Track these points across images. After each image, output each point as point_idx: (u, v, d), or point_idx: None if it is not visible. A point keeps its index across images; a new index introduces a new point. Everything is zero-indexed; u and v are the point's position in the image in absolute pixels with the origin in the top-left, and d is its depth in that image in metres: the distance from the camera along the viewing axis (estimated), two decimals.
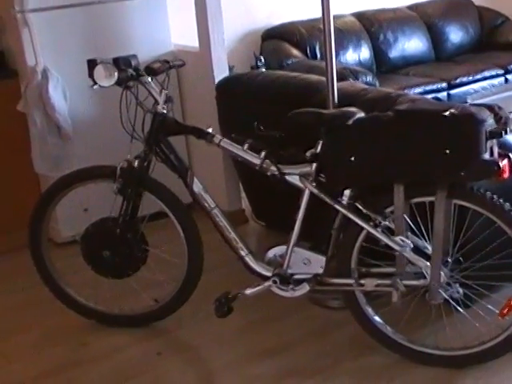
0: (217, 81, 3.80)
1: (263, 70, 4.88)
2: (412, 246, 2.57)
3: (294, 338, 2.99)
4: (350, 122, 2.52)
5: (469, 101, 4.86)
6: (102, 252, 2.97)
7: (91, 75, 2.69)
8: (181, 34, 4.16)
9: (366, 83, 4.58)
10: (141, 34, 3.97)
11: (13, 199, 3.89)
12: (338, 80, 3.12)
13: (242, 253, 2.85)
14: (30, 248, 3.11)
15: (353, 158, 2.50)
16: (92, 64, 2.69)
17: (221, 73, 3.82)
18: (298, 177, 2.69)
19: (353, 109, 2.63)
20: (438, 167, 2.44)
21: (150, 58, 3.61)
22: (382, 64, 5.76)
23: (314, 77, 3.37)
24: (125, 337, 3.07)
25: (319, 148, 2.64)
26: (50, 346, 3.06)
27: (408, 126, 2.44)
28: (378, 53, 5.76)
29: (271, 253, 2.84)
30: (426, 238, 2.63)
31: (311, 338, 2.98)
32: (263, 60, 5.04)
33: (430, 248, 2.59)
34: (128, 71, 2.74)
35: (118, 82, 2.71)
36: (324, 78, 3.16)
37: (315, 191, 2.65)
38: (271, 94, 3.40)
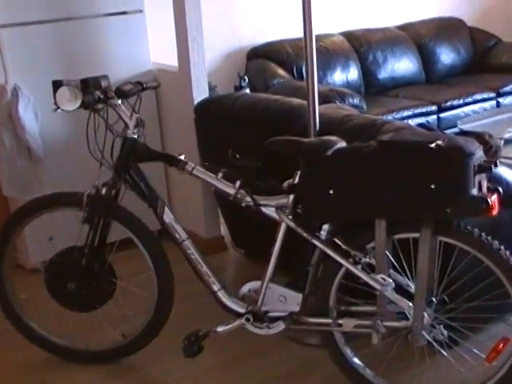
0: (196, 102, 3.64)
1: (247, 90, 4.73)
2: (394, 285, 2.41)
3: (269, 379, 2.82)
4: (329, 152, 2.36)
5: (459, 125, 4.73)
6: (67, 284, 2.80)
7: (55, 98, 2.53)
8: (161, 51, 4.01)
9: (353, 106, 4.44)
10: (118, 52, 3.81)
11: None
12: (323, 102, 2.97)
13: (215, 287, 2.68)
14: None
15: (331, 191, 2.34)
16: (57, 85, 2.52)
17: (200, 94, 3.67)
18: (274, 209, 2.53)
19: (333, 138, 2.48)
20: (422, 203, 2.27)
21: (127, 77, 3.49)
22: (370, 85, 5.62)
23: (296, 101, 3.21)
24: (89, 375, 2.89)
25: (297, 179, 2.49)
26: None
27: (391, 159, 2.28)
28: (367, 73, 5.62)
29: (245, 288, 2.68)
30: (409, 275, 2.47)
31: (287, 379, 2.82)
32: (247, 80, 4.89)
33: (413, 286, 2.43)
34: (95, 94, 2.57)
35: (84, 106, 2.55)
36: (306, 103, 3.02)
37: (292, 225, 2.49)
38: (251, 118, 3.24)
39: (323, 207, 2.40)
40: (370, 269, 2.45)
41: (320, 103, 2.94)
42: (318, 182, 2.38)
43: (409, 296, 2.43)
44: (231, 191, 2.58)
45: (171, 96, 3.87)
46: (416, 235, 2.35)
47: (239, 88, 4.79)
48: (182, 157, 2.66)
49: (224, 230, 3.99)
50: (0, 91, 3.47)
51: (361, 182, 2.33)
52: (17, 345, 3.00)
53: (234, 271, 3.93)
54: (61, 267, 2.82)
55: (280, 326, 2.61)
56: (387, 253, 2.40)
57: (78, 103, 2.50)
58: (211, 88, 4.06)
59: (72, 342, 2.97)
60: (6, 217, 3.44)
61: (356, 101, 4.63)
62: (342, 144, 2.45)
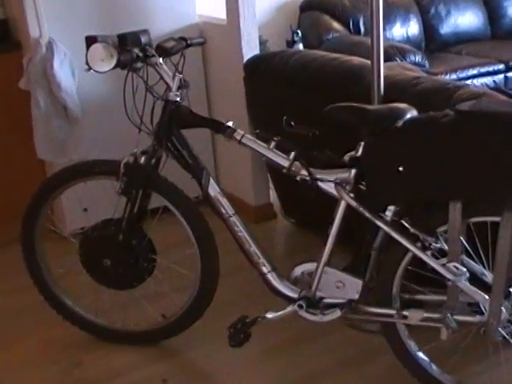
0: (245, 59, 3.33)
1: (300, 45, 4.40)
2: (468, 274, 2.12)
3: (323, 368, 2.56)
4: (400, 123, 2.05)
5: None
6: (103, 260, 2.57)
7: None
8: (208, 3, 3.70)
9: (415, 64, 4.08)
10: (160, 4, 3.50)
11: (16, 187, 3.49)
12: (384, 61, 2.65)
13: (264, 269, 2.41)
14: (23, 248, 2.72)
15: (401, 169, 2.04)
16: (91, 42, 2.24)
17: (250, 50, 3.35)
18: (332, 184, 2.23)
19: (403, 105, 2.16)
20: (508, 183, 1.96)
21: (169, 32, 3.20)
22: (431, 41, 5.22)
23: (355, 60, 2.88)
24: (126, 357, 2.67)
25: (360, 151, 2.19)
26: (38, 366, 2.67)
27: (473, 132, 1.95)
28: (428, 28, 5.21)
29: (298, 270, 2.40)
30: (485, 263, 2.17)
31: (343, 368, 2.55)
32: (300, 34, 4.55)
33: (489, 276, 2.13)
34: (133, 51, 2.29)
35: (121, 65, 2.26)
36: (368, 62, 2.70)
37: (353, 203, 2.19)
38: (306, 79, 2.93)
39: (391, 187, 2.10)
40: (440, 255, 2.15)
41: None
42: (386, 157, 2.08)
43: (484, 288, 2.13)
44: (285, 163, 2.30)
45: (218, 53, 3.56)
46: (496, 219, 2.04)
47: (291, 43, 4.46)
48: (230, 123, 2.37)
49: (273, 197, 3.70)
50: (34, 46, 3.20)
51: (436, 158, 2.01)
52: (52, 321, 2.78)
53: (284, 242, 3.67)
54: (96, 242, 2.58)
55: (336, 314, 2.34)
56: (461, 238, 2.10)
57: (113, 63, 2.21)
58: (262, 42, 3.75)
59: (108, 321, 2.75)
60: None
61: (418, 58, 4.27)
62: (413, 113, 2.13)
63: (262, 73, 3.20)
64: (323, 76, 2.85)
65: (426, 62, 4.32)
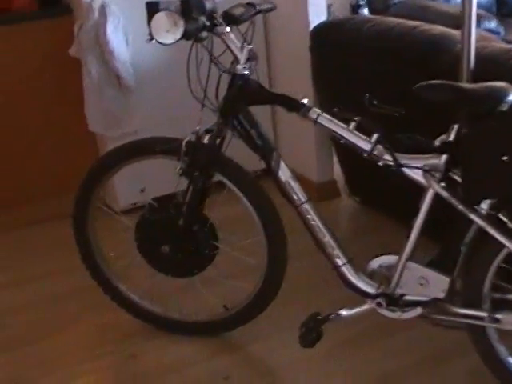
0: (312, 26, 3.07)
1: (365, 10, 4.11)
2: None
3: (402, 366, 2.34)
4: (505, 106, 1.80)
5: None
6: (161, 246, 2.38)
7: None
8: None
9: (490, 31, 3.77)
10: None
11: (66, 161, 3.33)
12: (456, 28, 2.40)
13: (339, 261, 2.19)
14: (74, 230, 2.54)
15: (505, 158, 1.79)
16: (153, 10, 2.01)
17: (317, 16, 3.09)
18: (420, 171, 1.99)
19: (504, 85, 1.90)
20: None
21: None
22: (503, 5, 4.87)
23: (438, 29, 2.61)
24: (183, 350, 2.49)
25: (453, 135, 1.94)
26: (90, 357, 2.51)
27: None
28: None
29: (375, 263, 2.17)
30: None
31: (424, 366, 2.33)
32: None
33: None
34: (200, 20, 2.06)
35: (186, 36, 2.03)
36: (452, 32, 2.44)
37: (444, 194, 1.95)
38: (382, 49, 2.66)
39: (492, 178, 1.85)
40: None
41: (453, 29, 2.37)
42: (488, 145, 1.83)
43: None
44: (366, 146, 2.06)
45: (281, 19, 3.30)
46: None
47: (356, 7, 4.16)
48: (306, 100, 2.13)
49: (337, 173, 3.47)
50: (86, 10, 2.99)
51: None
52: (105, 306, 2.61)
53: (348, 223, 3.45)
54: (154, 226, 2.39)
55: (416, 312, 2.13)
56: None
57: (179, 34, 1.97)
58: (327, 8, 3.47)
59: (165, 310, 2.57)
60: (94, 154, 3.07)
61: (493, 24, 3.94)
62: None
63: (332, 42, 2.94)
64: (403, 47, 2.58)
65: (502, 29, 3.99)
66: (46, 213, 3.28)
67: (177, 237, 2.35)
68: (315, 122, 2.12)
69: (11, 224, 3.29)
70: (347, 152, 3.16)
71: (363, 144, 2.06)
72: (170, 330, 2.57)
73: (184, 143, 2.24)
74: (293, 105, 2.14)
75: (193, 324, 2.55)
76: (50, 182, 3.37)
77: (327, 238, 2.20)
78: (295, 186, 2.20)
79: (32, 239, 3.31)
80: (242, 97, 2.18)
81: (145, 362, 2.45)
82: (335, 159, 3.44)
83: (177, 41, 1.99)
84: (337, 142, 3.20)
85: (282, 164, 2.21)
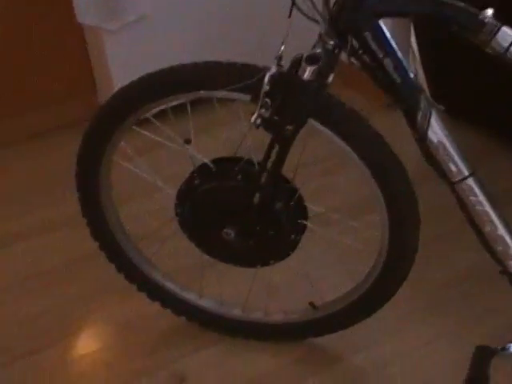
0: None
1: None
2: None
3: None
4: None
5: None
6: (222, 229, 1.55)
7: None
8: None
9: None
10: None
11: (44, 66, 2.41)
12: None
13: None
14: (81, 202, 1.69)
15: None
16: None
17: None
18: None
19: None
20: None
21: None
22: None
23: None
24: (259, 366, 1.71)
25: None
26: (115, 377, 1.73)
27: None
28: None
29: None
30: None
31: None
32: None
33: None
34: None
35: None
36: None
37: None
38: None
39: None
40: None
41: None
42: None
43: None
44: None
45: None
46: None
47: None
48: (490, 12, 1.24)
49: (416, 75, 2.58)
50: None
51: None
52: (134, 299, 1.80)
53: None
54: (210, 200, 1.55)
55: None
56: None
57: None
58: None
59: (220, 305, 1.77)
60: (80, 53, 2.16)
61: None
62: None
63: None
64: None
65: None
66: None
67: (248, 217, 1.52)
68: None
69: None
70: (436, 48, 2.37)
71: None
72: (230, 333, 1.79)
73: (268, 78, 1.35)
74: (470, 20, 1.25)
75: (262, 326, 1.76)
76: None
77: (500, 232, 1.39)
78: (454, 150, 1.36)
79: None
80: (369, 2, 1.28)
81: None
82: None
83: None
84: (422, 36, 2.40)
85: (434, 118, 1.35)
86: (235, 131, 1.49)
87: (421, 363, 1.68)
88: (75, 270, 2.00)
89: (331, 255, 1.72)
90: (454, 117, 2.47)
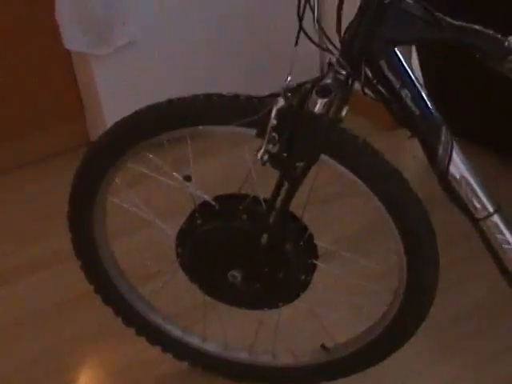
0: None
1: None
2: None
3: None
4: None
5: None
6: (227, 271, 1.44)
7: None
8: None
9: None
10: None
11: (30, 91, 2.30)
12: None
13: None
14: (75, 247, 1.58)
15: None
16: None
17: None
18: None
19: None
20: None
21: None
22: None
23: None
24: None
25: None
26: None
27: None
28: None
29: None
30: None
31: None
32: None
33: None
34: None
35: None
36: None
37: None
38: None
39: None
40: None
41: None
42: None
43: None
44: None
45: None
46: None
47: None
48: None
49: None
50: None
51: None
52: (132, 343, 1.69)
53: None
54: (212, 240, 1.45)
55: None
56: None
57: None
58: None
59: (224, 348, 1.66)
60: (69, 80, 2.06)
61: None
62: None
63: None
64: None
65: None
66: None
67: (256, 259, 1.42)
68: None
69: None
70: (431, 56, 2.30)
71: None
72: (233, 377, 1.68)
73: (275, 111, 1.25)
74: (495, 48, 1.15)
75: (269, 370, 1.66)
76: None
77: None
78: (477, 185, 1.26)
79: None
80: (387, 27, 1.18)
81: None
82: None
83: None
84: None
85: (457, 149, 1.25)
86: (235, 161, 1.39)
87: None
88: (69, 310, 1.88)
89: (342, 294, 1.62)
90: (456, 135, 2.40)
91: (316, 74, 1.26)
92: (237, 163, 1.38)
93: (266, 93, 1.30)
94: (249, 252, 1.41)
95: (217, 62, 2.36)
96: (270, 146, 1.27)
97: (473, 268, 1.71)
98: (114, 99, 2.26)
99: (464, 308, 1.81)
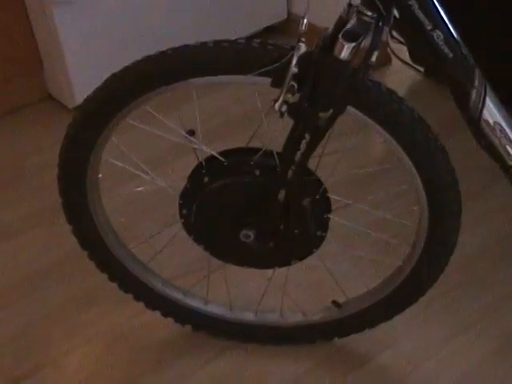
0: None
1: None
2: None
3: None
4: None
5: None
6: (238, 231, 1.36)
7: None
8: None
9: None
10: None
11: None
12: None
13: None
14: (67, 214, 1.47)
15: None
16: None
17: None
18: None
19: None
20: None
21: None
22: None
23: None
24: (273, 369, 1.55)
25: None
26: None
27: None
28: None
29: None
30: None
31: None
32: None
33: None
34: None
35: None
36: None
37: None
38: None
39: None
40: None
41: None
42: None
43: None
44: None
45: None
46: None
47: None
48: None
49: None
50: None
51: None
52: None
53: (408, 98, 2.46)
54: (224, 199, 1.36)
55: None
56: None
57: None
58: None
59: (229, 310, 1.59)
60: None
61: None
62: None
63: None
64: None
65: None
66: None
67: (271, 216, 1.34)
68: None
69: None
70: None
71: None
72: (241, 337, 1.61)
73: (296, 58, 1.15)
74: None
75: (275, 329, 1.59)
76: None
77: None
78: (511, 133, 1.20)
79: None
80: None
81: None
82: None
83: None
84: None
85: (490, 93, 1.18)
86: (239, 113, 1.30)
87: (454, 356, 1.55)
88: (58, 274, 1.77)
89: (355, 248, 1.56)
90: (432, 77, 2.35)
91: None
92: (241, 115, 1.29)
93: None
94: (264, 209, 1.33)
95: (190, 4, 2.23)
96: (289, 96, 1.18)
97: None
98: (80, 48, 2.09)
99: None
